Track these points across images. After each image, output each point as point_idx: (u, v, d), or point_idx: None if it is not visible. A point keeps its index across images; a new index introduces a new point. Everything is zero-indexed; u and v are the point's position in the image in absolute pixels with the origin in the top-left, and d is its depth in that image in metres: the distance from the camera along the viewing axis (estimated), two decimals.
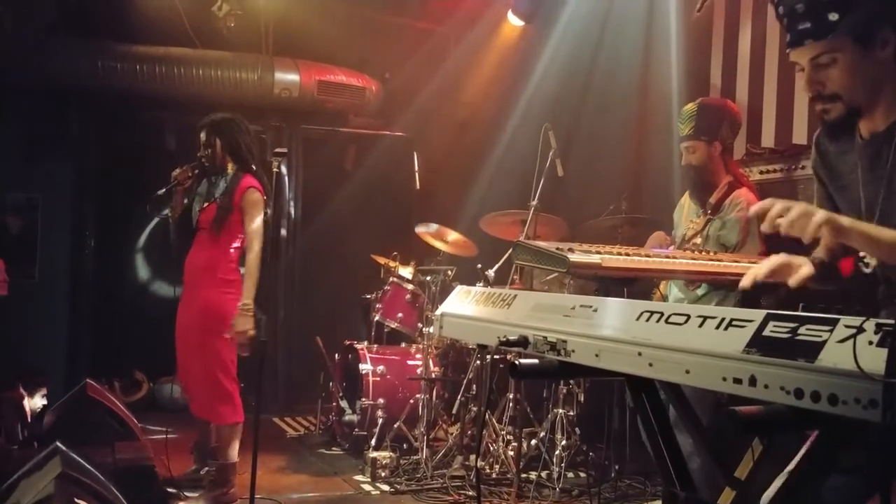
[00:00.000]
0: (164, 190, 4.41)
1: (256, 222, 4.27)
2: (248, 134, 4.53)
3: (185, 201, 4.52)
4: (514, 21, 6.61)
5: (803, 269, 2.03)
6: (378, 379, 5.48)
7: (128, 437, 4.34)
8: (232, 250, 4.35)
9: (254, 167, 4.43)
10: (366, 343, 5.78)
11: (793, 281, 2.02)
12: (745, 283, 2.10)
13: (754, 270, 2.09)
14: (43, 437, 4.32)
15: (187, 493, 4.36)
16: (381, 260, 6.18)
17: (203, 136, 4.44)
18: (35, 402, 5.47)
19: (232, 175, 4.41)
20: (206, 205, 4.43)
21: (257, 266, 4.23)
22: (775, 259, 2.07)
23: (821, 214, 1.84)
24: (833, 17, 1.83)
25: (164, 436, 4.66)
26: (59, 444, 3.38)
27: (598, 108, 6.12)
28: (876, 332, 1.13)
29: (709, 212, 3.68)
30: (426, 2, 7.27)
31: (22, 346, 6.44)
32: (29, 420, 4.80)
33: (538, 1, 6.36)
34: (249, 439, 4.05)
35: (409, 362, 5.67)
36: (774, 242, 2.45)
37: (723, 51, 5.35)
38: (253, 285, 4.21)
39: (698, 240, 3.67)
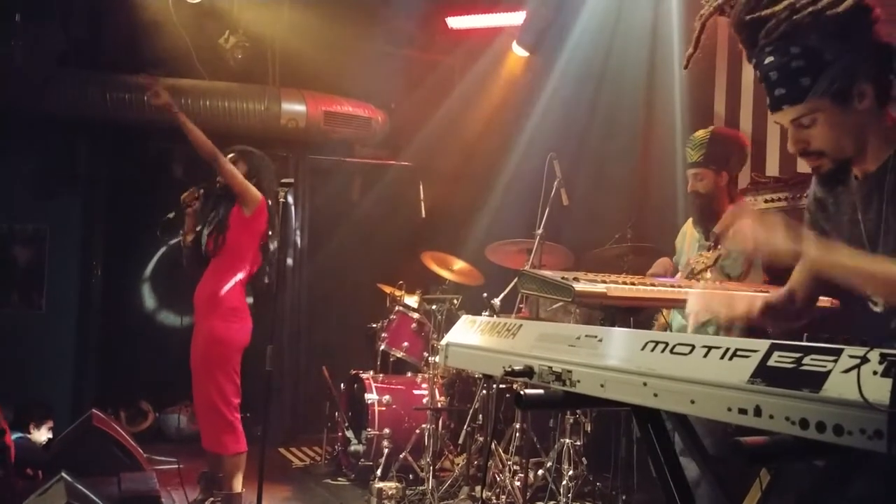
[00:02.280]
0: (173, 213, 4.46)
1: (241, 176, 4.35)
2: (272, 175, 4.58)
3: (198, 228, 4.55)
4: (518, 52, 6.66)
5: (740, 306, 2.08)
6: (384, 409, 5.47)
7: (133, 467, 4.33)
8: (239, 276, 4.36)
9: (269, 202, 4.47)
10: (371, 372, 5.77)
11: (723, 320, 2.06)
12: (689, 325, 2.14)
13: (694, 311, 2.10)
14: (48, 468, 4.31)
15: None
16: (387, 289, 6.19)
17: (230, 159, 4.47)
18: (40, 435, 5.47)
19: (227, 204, 4.46)
20: (207, 232, 4.47)
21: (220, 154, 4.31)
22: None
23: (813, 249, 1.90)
24: (805, 81, 1.87)
25: (176, 466, 4.65)
26: (64, 474, 3.38)
27: (602, 137, 6.14)
28: (880, 363, 1.13)
29: (715, 243, 3.67)
30: (432, 33, 7.33)
31: (29, 376, 6.44)
32: (13, 456, 4.77)
33: (542, 32, 6.41)
34: (255, 469, 4.04)
35: (415, 392, 5.66)
36: (777, 272, 2.46)
37: (726, 80, 5.38)
38: (198, 136, 4.29)
39: (708, 274, 3.66)
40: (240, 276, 4.36)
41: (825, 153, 1.95)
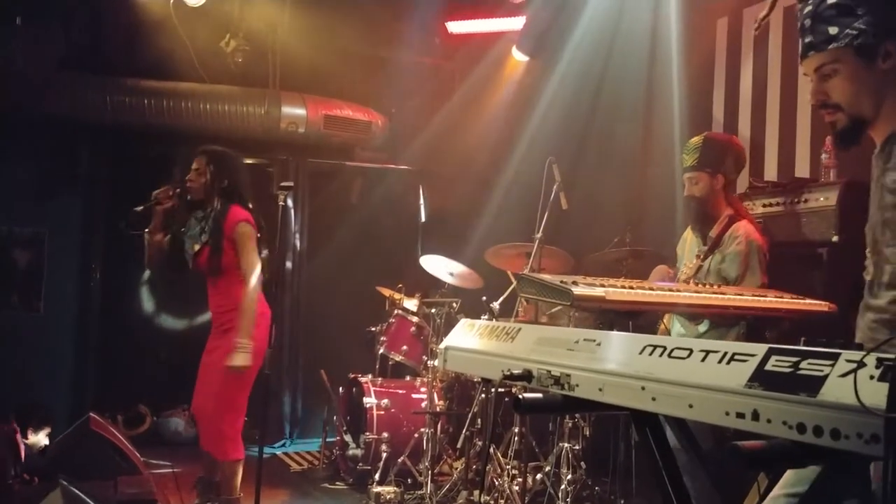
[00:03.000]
0: (141, 207, 4.25)
1: (250, 258, 4.14)
2: (244, 173, 4.43)
3: (167, 235, 4.37)
4: (518, 56, 6.68)
5: None
6: (382, 413, 5.46)
7: (130, 471, 4.33)
8: (239, 284, 4.24)
9: (250, 205, 4.34)
10: (370, 376, 5.77)
11: None
12: None
13: None
14: (45, 471, 4.31)
15: None
16: (386, 292, 6.19)
17: (199, 162, 4.34)
18: (38, 439, 5.46)
19: (219, 210, 4.29)
20: (198, 248, 4.31)
21: (253, 301, 4.13)
22: None
23: None
24: (833, 30, 1.91)
25: (171, 470, 4.64)
26: (61, 478, 3.38)
27: (601, 142, 6.16)
28: (877, 367, 1.14)
29: (706, 251, 3.68)
30: (432, 38, 7.34)
31: (27, 379, 6.44)
32: (23, 456, 4.77)
33: (542, 37, 6.43)
34: (253, 473, 4.04)
35: (414, 396, 5.66)
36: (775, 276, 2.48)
37: (725, 86, 5.39)
38: (248, 323, 4.10)
39: (684, 278, 3.68)
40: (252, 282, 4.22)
41: (842, 107, 1.98)
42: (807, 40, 1.98)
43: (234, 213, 4.26)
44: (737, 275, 3.53)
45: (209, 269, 4.24)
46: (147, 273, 7.51)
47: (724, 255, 3.61)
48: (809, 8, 1.97)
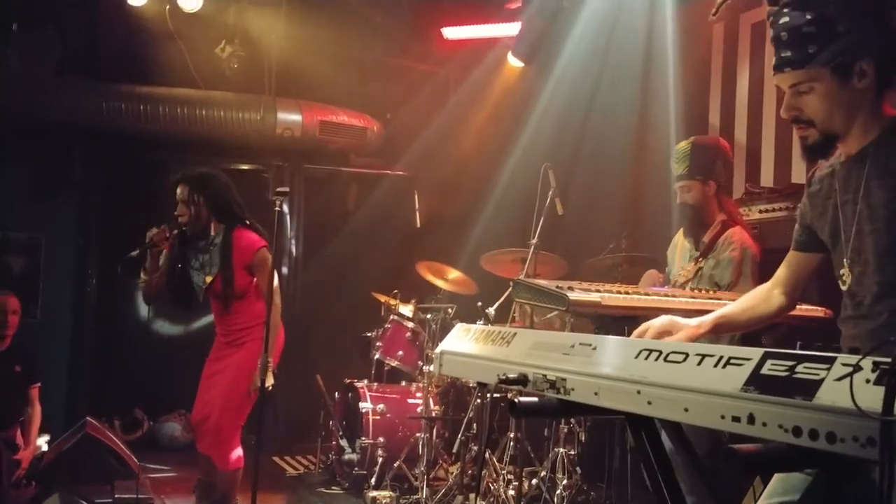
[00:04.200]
0: (137, 252, 4.06)
1: (272, 279, 4.00)
2: (229, 187, 4.26)
3: (166, 274, 4.25)
4: (513, 62, 6.68)
5: (680, 334, 2.12)
6: (378, 417, 5.46)
7: (127, 475, 4.32)
8: (251, 303, 4.27)
9: (247, 221, 4.25)
10: (366, 381, 5.77)
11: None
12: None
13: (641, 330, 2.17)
14: (42, 476, 4.30)
15: None
16: (382, 298, 6.19)
17: (182, 192, 4.12)
18: (37, 443, 5.44)
19: (223, 237, 4.18)
20: (210, 279, 4.22)
21: (279, 323, 4.13)
22: (663, 322, 2.16)
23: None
24: (812, 48, 1.89)
25: (167, 474, 4.62)
26: (58, 483, 3.37)
27: (597, 147, 6.16)
28: (873, 371, 1.14)
29: (699, 255, 3.69)
30: (427, 44, 7.35)
31: None
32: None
33: (537, 43, 6.43)
34: (249, 478, 4.03)
35: (410, 401, 5.65)
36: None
37: (721, 91, 5.41)
38: (277, 342, 4.12)
39: (688, 287, 3.68)
40: (260, 302, 4.22)
41: (815, 123, 1.98)
42: (783, 55, 1.95)
43: (245, 238, 4.18)
44: (729, 281, 3.53)
45: (225, 296, 4.16)
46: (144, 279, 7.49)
47: (717, 261, 3.61)
48: (786, 20, 1.93)
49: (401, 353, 5.71)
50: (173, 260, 4.27)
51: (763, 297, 2.34)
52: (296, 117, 6.99)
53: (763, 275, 3.59)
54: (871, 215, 1.95)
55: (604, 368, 1.58)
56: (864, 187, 1.97)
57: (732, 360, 1.35)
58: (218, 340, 4.39)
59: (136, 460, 4.53)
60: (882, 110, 1.97)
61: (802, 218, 2.26)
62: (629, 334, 2.25)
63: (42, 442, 5.45)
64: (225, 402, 4.16)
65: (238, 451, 4.26)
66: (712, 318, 2.24)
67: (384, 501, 4.85)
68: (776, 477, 1.96)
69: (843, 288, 2.06)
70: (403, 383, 5.97)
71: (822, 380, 1.19)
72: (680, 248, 3.87)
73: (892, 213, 1.91)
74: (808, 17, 1.89)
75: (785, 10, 1.94)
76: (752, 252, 3.56)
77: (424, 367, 5.42)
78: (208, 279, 4.21)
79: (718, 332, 2.29)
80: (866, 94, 1.93)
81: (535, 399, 1.74)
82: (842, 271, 2.05)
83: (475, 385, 5.05)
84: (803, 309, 3.07)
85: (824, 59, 1.88)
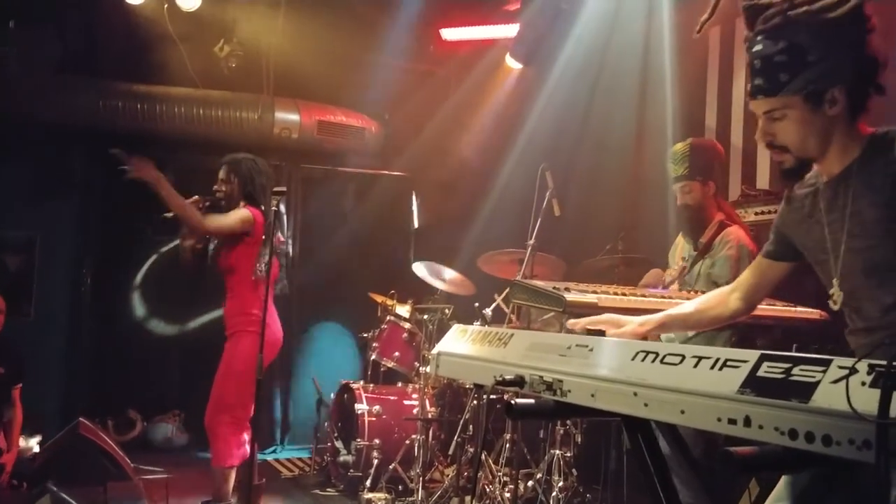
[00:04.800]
0: (172, 214, 4.36)
1: (228, 218, 4.36)
2: (266, 175, 4.60)
3: (198, 241, 4.55)
4: (512, 64, 6.69)
5: (626, 329, 2.21)
6: (374, 419, 5.45)
7: (120, 476, 4.31)
8: (253, 280, 4.37)
9: (262, 207, 4.48)
10: (362, 382, 5.76)
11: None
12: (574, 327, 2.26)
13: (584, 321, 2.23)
14: (34, 476, 4.28)
15: None
16: (379, 298, 6.19)
17: (222, 172, 4.53)
18: (29, 444, 5.43)
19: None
20: (213, 246, 4.51)
21: (202, 217, 4.33)
22: (605, 318, 2.25)
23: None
24: (784, 77, 1.92)
25: (163, 476, 4.62)
26: (49, 485, 3.36)
27: (594, 149, 6.16)
28: (869, 373, 1.14)
29: (695, 254, 3.69)
30: (426, 44, 7.35)
31: None
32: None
33: (536, 44, 6.44)
34: (244, 479, 4.02)
35: (406, 402, 5.65)
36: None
37: (717, 94, 5.41)
38: (180, 205, 4.25)
39: (675, 285, 3.68)
40: (252, 277, 4.38)
41: (789, 149, 2.01)
42: (756, 82, 1.98)
43: (246, 208, 4.46)
44: (727, 279, 3.53)
45: (219, 265, 4.42)
46: (139, 278, 7.49)
47: (714, 260, 3.62)
48: (759, 48, 1.95)
49: (397, 353, 5.71)
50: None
51: (721, 300, 2.40)
52: (294, 117, 6.99)
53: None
54: (863, 233, 1.97)
55: (600, 370, 1.58)
56: (851, 206, 1.99)
57: (729, 363, 1.35)
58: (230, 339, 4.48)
59: (129, 461, 4.52)
60: (858, 130, 1.99)
61: (778, 229, 2.30)
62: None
63: (34, 443, 5.44)
64: (216, 397, 4.26)
65: (228, 448, 4.25)
66: (660, 317, 2.31)
67: (379, 503, 4.84)
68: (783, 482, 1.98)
69: (834, 307, 2.08)
70: (400, 384, 5.97)
71: (818, 382, 1.19)
72: (680, 249, 3.88)
73: (886, 229, 1.93)
74: (781, 45, 1.91)
75: (759, 38, 1.96)
76: (748, 250, 3.56)
77: (421, 369, 5.41)
78: (211, 247, 4.52)
79: (665, 330, 2.38)
80: (838, 120, 1.96)
81: (531, 401, 1.73)
82: (831, 291, 2.08)
83: (471, 386, 5.05)
84: (799, 311, 3.08)
85: (796, 88, 1.91)
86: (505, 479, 4.91)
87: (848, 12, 1.85)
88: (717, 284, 3.55)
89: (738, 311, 2.36)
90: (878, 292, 1.98)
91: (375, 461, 5.29)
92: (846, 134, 1.98)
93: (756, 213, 4.08)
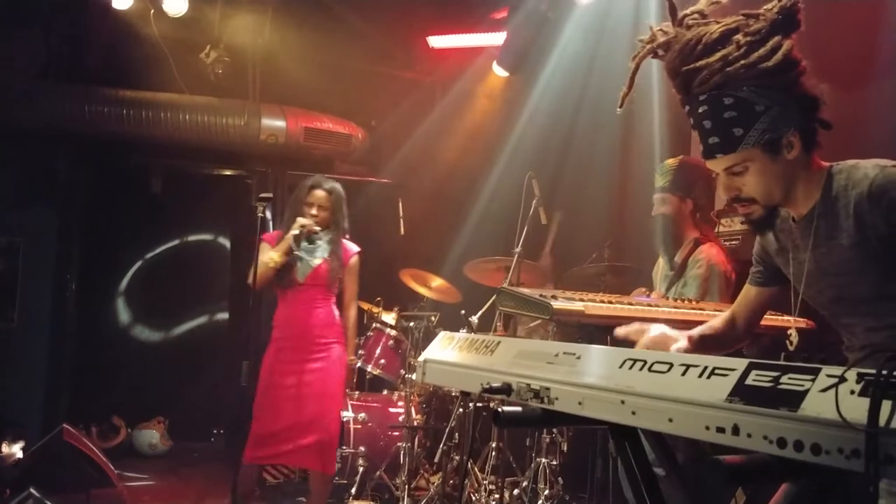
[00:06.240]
0: (297, 232, 4.49)
1: (357, 287, 4.79)
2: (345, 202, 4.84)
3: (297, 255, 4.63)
4: (499, 72, 6.70)
5: (678, 343, 2.20)
6: (359, 426, 5.43)
7: (104, 483, 4.28)
8: (334, 304, 4.64)
9: (346, 235, 4.76)
10: (347, 389, 5.73)
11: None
12: (619, 332, 2.28)
13: (639, 339, 2.23)
14: (17, 483, 4.24)
15: None
16: (365, 305, 6.16)
17: (325, 197, 4.63)
18: (12, 450, 5.37)
19: (333, 237, 4.65)
20: (316, 262, 4.58)
21: (355, 324, 4.77)
22: (655, 331, 2.24)
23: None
24: (738, 132, 1.93)
25: (145, 483, 4.57)
26: (32, 490, 3.33)
27: (581, 158, 6.18)
28: (858, 382, 1.14)
29: (672, 275, 3.71)
30: (413, 52, 7.36)
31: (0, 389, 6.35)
32: None
33: (523, 53, 6.45)
34: (229, 486, 3.99)
35: (391, 410, 5.63)
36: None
37: None
38: (354, 341, 4.80)
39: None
40: (334, 300, 4.70)
41: (756, 200, 2.03)
42: (711, 142, 1.98)
43: (349, 245, 4.76)
44: (695, 298, 3.54)
45: (328, 283, 4.60)
46: (123, 284, 7.44)
47: (686, 279, 3.64)
48: (705, 107, 1.97)
49: (383, 361, 5.69)
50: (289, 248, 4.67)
51: (728, 323, 2.45)
52: (280, 123, 6.97)
53: (740, 286, 3.61)
54: (837, 270, 2.01)
55: (588, 378, 1.57)
56: (824, 245, 2.03)
57: (717, 371, 1.34)
58: (284, 346, 4.55)
59: (112, 468, 4.48)
60: (816, 167, 2.03)
61: (759, 256, 2.33)
62: (614, 344, 2.25)
63: (17, 449, 5.38)
64: (330, 401, 4.49)
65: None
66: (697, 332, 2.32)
67: None
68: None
69: (790, 347, 2.15)
70: (385, 392, 5.95)
71: (807, 391, 1.19)
72: (661, 268, 3.91)
73: (858, 268, 1.96)
74: (728, 101, 1.93)
75: (701, 99, 1.98)
76: (719, 269, 3.57)
77: (406, 376, 5.40)
78: (315, 262, 4.58)
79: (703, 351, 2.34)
80: (798, 162, 1.98)
81: (518, 409, 1.73)
82: (790, 332, 2.16)
83: (458, 394, 5.04)
84: (786, 320, 3.09)
85: (753, 140, 1.93)
86: (491, 487, 4.90)
87: (781, 59, 1.89)
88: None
89: (740, 337, 2.45)
90: (862, 319, 2.03)
91: (361, 469, 5.27)
92: (806, 175, 2.02)
93: (742, 223, 4.09)
